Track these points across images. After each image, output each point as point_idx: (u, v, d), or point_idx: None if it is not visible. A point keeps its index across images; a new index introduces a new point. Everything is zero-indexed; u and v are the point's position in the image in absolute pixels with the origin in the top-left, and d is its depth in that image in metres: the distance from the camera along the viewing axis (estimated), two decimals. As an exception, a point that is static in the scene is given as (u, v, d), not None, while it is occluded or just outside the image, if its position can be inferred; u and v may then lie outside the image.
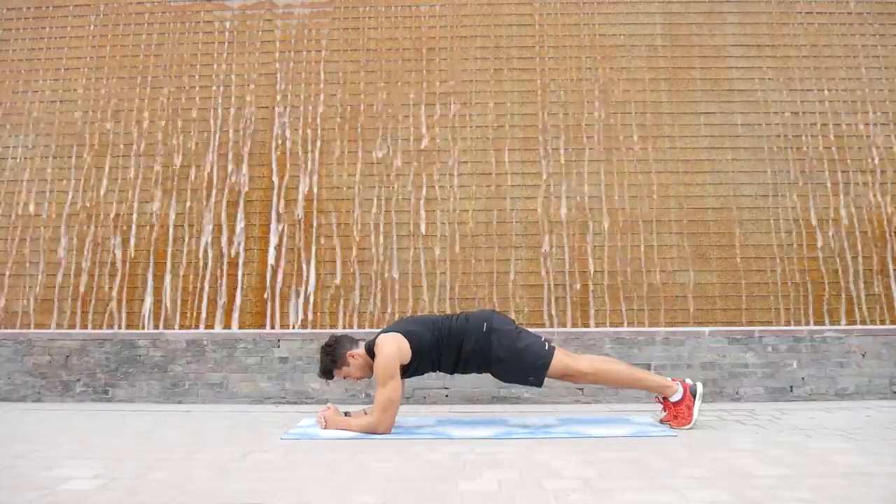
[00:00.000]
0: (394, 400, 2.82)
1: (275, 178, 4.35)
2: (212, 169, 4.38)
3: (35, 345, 4.05)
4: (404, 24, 4.54)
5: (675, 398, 2.96)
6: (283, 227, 4.28)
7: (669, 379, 3.03)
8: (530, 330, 3.16)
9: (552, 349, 2.97)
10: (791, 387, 3.87)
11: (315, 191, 4.32)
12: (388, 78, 4.47)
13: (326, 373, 3.06)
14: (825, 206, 4.24)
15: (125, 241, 4.29)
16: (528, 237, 4.23)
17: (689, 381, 3.02)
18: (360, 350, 3.04)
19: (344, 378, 3.09)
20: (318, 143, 4.39)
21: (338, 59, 4.51)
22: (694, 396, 2.95)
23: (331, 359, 3.02)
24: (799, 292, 4.13)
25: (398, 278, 4.20)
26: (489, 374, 3.10)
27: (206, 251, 4.26)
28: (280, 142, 4.40)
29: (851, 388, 3.85)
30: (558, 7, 4.54)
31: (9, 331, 4.15)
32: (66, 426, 3.12)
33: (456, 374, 3.71)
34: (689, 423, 2.92)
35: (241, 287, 4.21)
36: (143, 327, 4.16)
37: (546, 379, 3.02)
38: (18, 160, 4.45)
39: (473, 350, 2.95)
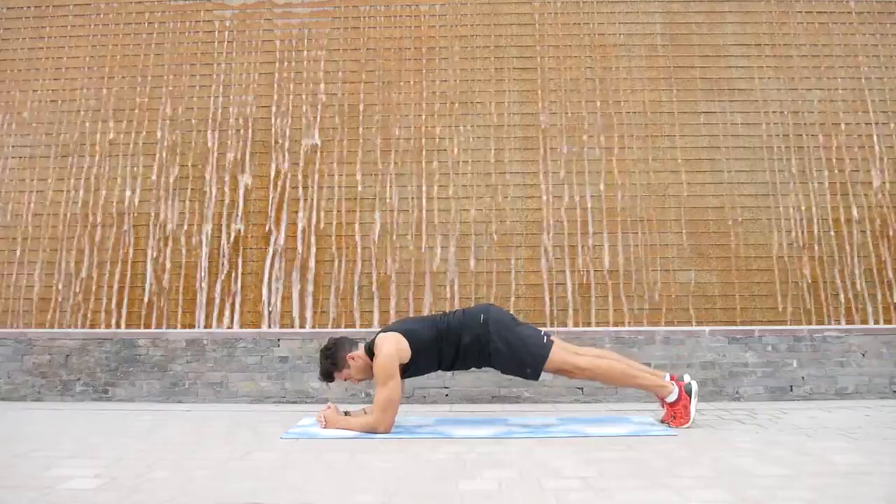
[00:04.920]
0: (393, 400, 2.82)
1: (274, 178, 4.35)
2: (212, 168, 4.38)
3: (35, 344, 4.05)
4: (404, 24, 4.54)
5: (671, 399, 2.96)
6: (283, 226, 4.28)
7: (667, 377, 3.02)
8: (529, 324, 3.16)
9: (550, 343, 2.97)
10: (791, 386, 3.87)
11: (315, 190, 4.32)
12: (388, 78, 4.47)
13: (327, 376, 3.07)
14: (825, 206, 4.23)
15: (125, 241, 4.29)
16: (528, 237, 4.23)
17: (686, 377, 3.01)
18: (360, 352, 3.04)
19: (345, 380, 3.09)
20: (318, 143, 4.39)
21: (338, 59, 4.51)
22: (689, 395, 2.95)
23: (331, 362, 3.03)
24: (799, 292, 4.13)
25: (398, 278, 4.20)
26: (489, 373, 3.10)
27: (205, 250, 4.26)
28: (280, 141, 4.40)
29: (851, 387, 3.86)
30: (558, 7, 4.54)
31: (9, 330, 4.15)
32: (66, 425, 3.12)
33: (456, 373, 3.71)
34: (687, 422, 2.92)
35: (241, 286, 4.21)
36: (143, 327, 4.16)
37: (544, 375, 3.02)
38: (19, 160, 4.45)
39: (471, 343, 2.96)
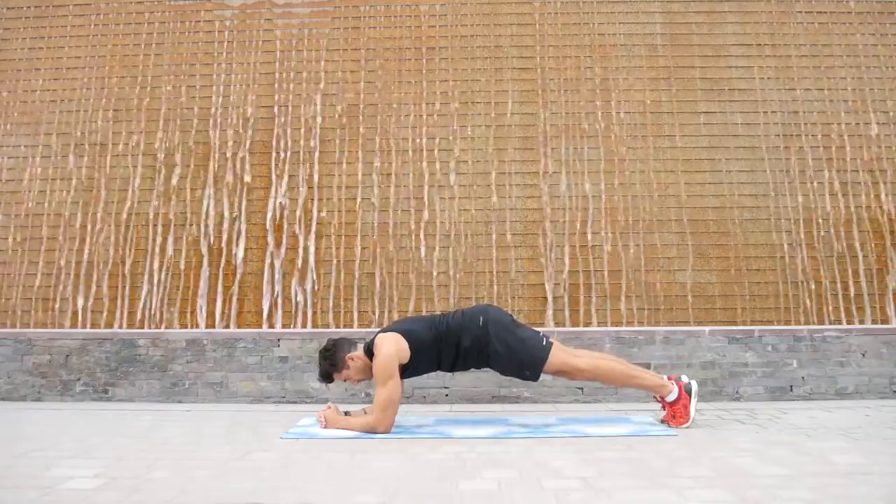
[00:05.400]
0: (393, 400, 2.82)
1: (275, 178, 4.35)
2: (212, 168, 4.38)
3: (35, 344, 4.05)
4: (404, 24, 4.54)
5: (671, 398, 2.97)
6: (284, 226, 4.28)
7: (665, 378, 3.03)
8: (527, 326, 3.16)
9: (550, 344, 2.97)
10: (791, 386, 3.87)
11: (315, 190, 4.32)
12: (388, 78, 4.47)
13: (326, 377, 3.07)
14: (825, 206, 4.23)
15: (125, 241, 4.29)
16: (528, 237, 4.23)
17: (684, 378, 3.02)
18: (359, 352, 3.04)
19: (344, 381, 3.09)
20: (318, 143, 4.39)
21: (338, 59, 4.51)
22: (689, 394, 2.96)
23: (330, 363, 3.03)
24: (799, 292, 4.13)
25: (398, 278, 4.20)
26: (489, 373, 3.09)
27: (206, 251, 4.26)
28: (280, 141, 4.40)
29: (851, 387, 3.86)
30: (558, 7, 4.54)
31: (9, 330, 4.15)
32: (66, 425, 3.12)
33: (456, 374, 3.71)
34: (687, 422, 2.92)
35: (241, 287, 4.21)
36: (143, 327, 4.16)
37: (543, 376, 3.03)
38: (18, 160, 4.45)
39: (471, 345, 2.96)
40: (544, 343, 2.97)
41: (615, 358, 3.14)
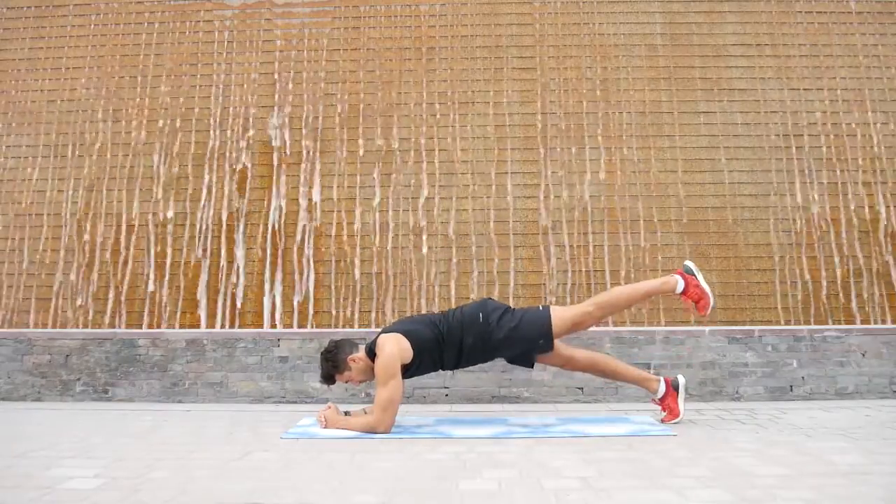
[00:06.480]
0: (394, 400, 2.82)
1: (274, 178, 4.35)
2: (211, 168, 4.38)
3: (35, 344, 4.05)
4: (404, 24, 4.54)
5: (679, 289, 3.07)
6: (283, 226, 4.28)
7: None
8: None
9: (547, 307, 3.08)
10: (791, 386, 3.87)
11: (315, 190, 4.32)
12: (388, 78, 4.47)
13: (328, 378, 3.07)
14: (825, 206, 4.23)
15: (125, 241, 4.29)
16: (528, 237, 4.23)
17: (686, 264, 3.17)
18: (361, 353, 3.04)
19: (346, 382, 3.10)
20: (318, 143, 4.39)
21: (338, 59, 4.51)
22: (692, 274, 3.09)
23: (332, 364, 3.03)
24: (799, 292, 4.13)
25: (398, 278, 4.19)
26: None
27: (205, 250, 4.26)
28: (280, 141, 4.40)
29: (851, 387, 3.86)
30: (558, 7, 4.53)
31: (9, 330, 4.15)
32: (66, 425, 3.12)
33: (456, 373, 3.73)
34: (709, 303, 3.03)
35: (241, 286, 4.21)
36: (143, 327, 4.16)
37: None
38: (18, 160, 4.44)
39: (475, 342, 2.98)
40: (541, 308, 3.07)
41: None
